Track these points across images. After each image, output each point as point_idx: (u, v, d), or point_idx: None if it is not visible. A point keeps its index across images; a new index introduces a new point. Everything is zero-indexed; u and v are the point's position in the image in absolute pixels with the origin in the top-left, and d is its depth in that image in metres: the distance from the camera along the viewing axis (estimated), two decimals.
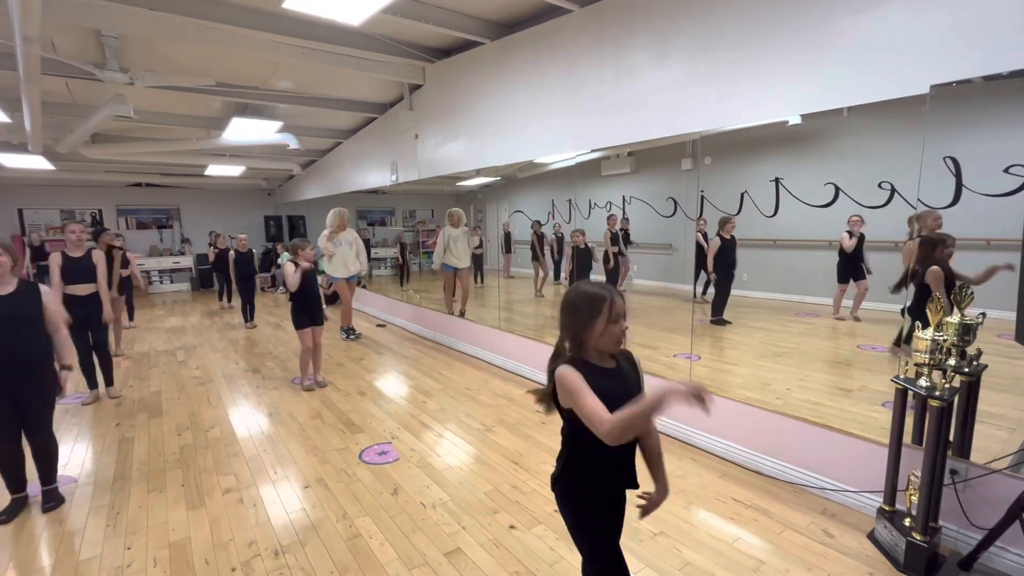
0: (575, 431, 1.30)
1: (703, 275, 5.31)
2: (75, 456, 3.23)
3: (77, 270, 3.93)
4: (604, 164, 6.03)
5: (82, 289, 3.95)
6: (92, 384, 4.25)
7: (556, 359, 1.35)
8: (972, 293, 1.99)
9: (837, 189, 4.55)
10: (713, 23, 2.92)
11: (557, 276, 7.65)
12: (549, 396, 1.35)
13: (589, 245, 5.78)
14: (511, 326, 5.37)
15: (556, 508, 2.53)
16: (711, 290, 5.16)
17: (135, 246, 11.01)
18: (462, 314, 5.97)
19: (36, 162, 7.27)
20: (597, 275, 5.78)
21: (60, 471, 2.99)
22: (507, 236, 8.67)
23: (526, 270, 8.13)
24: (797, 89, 2.59)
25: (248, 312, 7.30)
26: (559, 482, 1.43)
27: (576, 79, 3.84)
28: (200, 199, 11.83)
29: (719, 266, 5.03)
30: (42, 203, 10.28)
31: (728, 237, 4.98)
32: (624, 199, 6.37)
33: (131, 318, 7.33)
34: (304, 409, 3.98)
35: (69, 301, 3.87)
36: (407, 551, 2.24)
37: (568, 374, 1.26)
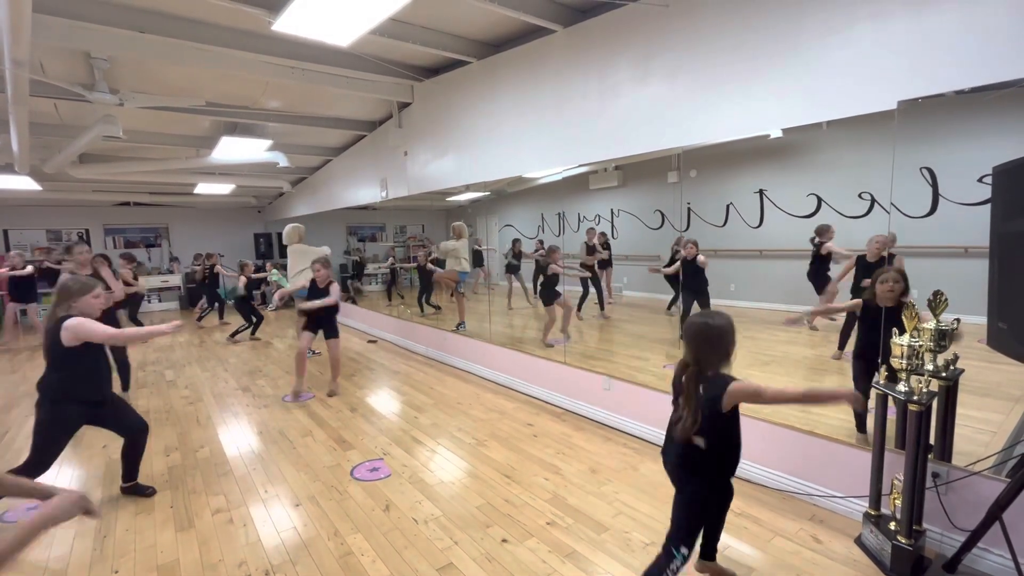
0: (728, 428, 1.81)
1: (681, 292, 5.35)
2: (60, 479, 3.18)
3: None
4: (592, 178, 6.12)
5: None
6: None
7: (711, 381, 1.80)
8: (946, 299, 2.05)
9: (819, 200, 4.66)
10: (690, 43, 3.02)
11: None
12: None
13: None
14: (503, 340, 5.38)
15: (548, 521, 2.55)
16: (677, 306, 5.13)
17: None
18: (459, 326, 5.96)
19: (23, 183, 7.21)
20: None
21: None
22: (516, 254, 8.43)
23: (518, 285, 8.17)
24: (772, 105, 2.67)
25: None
26: (700, 466, 1.84)
27: (561, 96, 3.92)
28: (189, 217, 11.77)
29: (684, 289, 4.71)
30: (28, 224, 10.18)
31: (689, 259, 4.53)
32: (612, 212, 6.45)
33: None
34: (295, 427, 3.95)
35: None
36: (399, 567, 2.23)
37: (744, 382, 1.73)
